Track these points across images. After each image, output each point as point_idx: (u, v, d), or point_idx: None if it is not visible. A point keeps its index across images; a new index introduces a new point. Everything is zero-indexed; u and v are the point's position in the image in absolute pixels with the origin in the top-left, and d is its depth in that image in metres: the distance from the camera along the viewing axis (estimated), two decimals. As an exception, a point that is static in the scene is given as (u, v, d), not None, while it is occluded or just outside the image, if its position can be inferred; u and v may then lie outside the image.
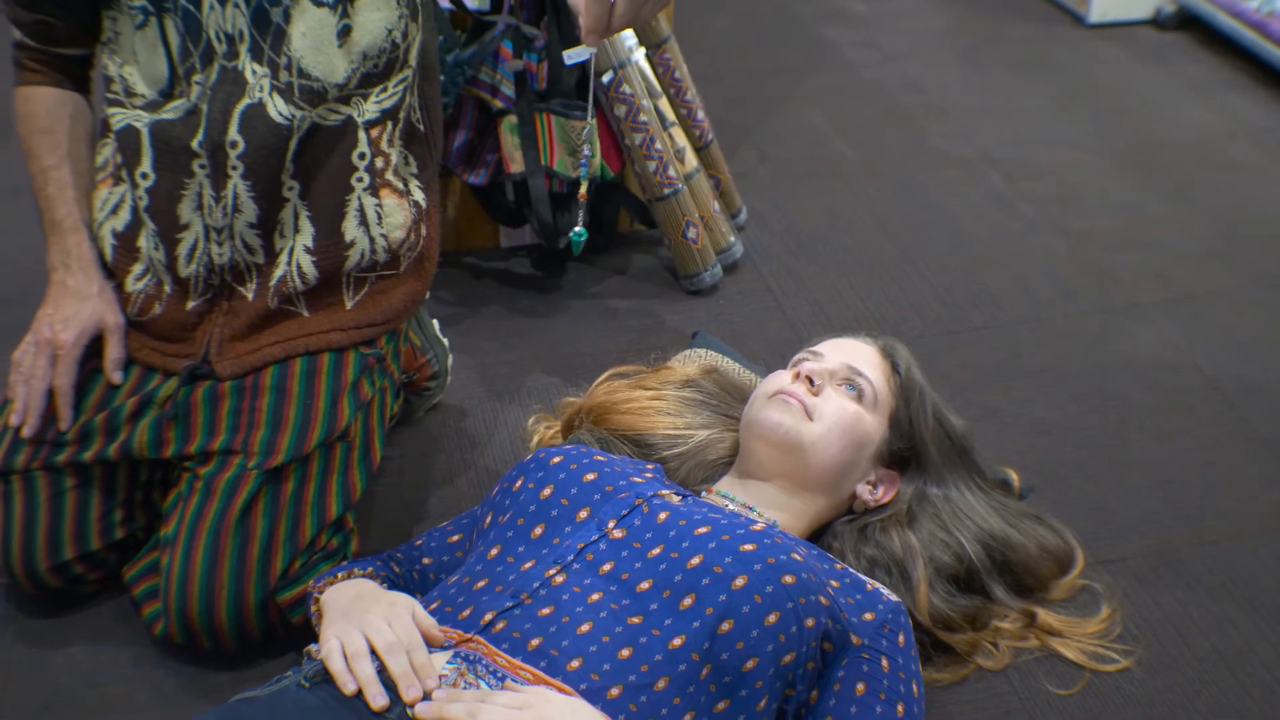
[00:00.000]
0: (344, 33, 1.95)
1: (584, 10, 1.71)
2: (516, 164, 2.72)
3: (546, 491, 1.79)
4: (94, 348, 2.02)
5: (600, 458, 1.86)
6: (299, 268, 2.01)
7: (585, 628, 1.61)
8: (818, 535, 1.96)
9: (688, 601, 1.61)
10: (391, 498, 2.30)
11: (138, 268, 2.05)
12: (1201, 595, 2.09)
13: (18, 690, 1.94)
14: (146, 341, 2.04)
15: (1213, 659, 1.98)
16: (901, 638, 1.74)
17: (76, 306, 2.01)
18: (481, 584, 1.69)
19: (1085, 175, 3.38)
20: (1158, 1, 4.20)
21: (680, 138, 2.86)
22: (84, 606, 2.06)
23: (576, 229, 2.02)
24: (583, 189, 2.08)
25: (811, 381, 1.93)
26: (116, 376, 2.02)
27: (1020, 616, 1.98)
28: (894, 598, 1.77)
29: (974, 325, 2.78)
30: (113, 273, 2.06)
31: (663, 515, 1.73)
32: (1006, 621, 1.98)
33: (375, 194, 2.03)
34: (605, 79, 2.71)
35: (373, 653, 1.55)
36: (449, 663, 1.56)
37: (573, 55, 1.81)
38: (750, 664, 1.59)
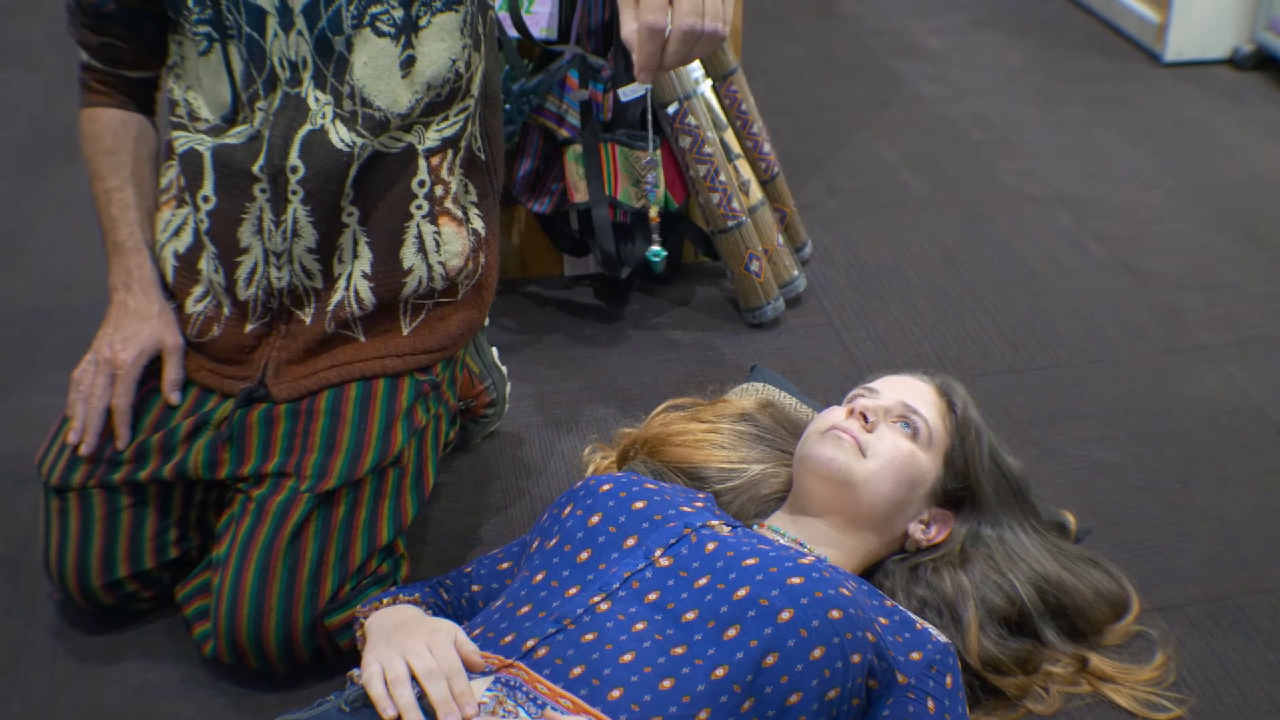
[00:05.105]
0: (408, 63, 1.96)
1: (636, 48, 1.71)
2: (581, 193, 2.73)
3: (595, 519, 1.79)
4: (153, 368, 2.04)
5: (650, 486, 1.86)
6: (356, 293, 2.02)
7: (628, 657, 1.60)
8: (869, 573, 1.95)
9: (732, 633, 1.61)
10: (444, 524, 2.30)
11: (198, 290, 2.07)
12: (1259, 644, 2.05)
13: (68, 704, 1.96)
14: (204, 363, 2.06)
15: (1267, 708, 1.94)
16: (949, 679, 1.72)
17: (136, 327, 2.03)
18: (525, 609, 1.70)
19: (1156, 214, 3.34)
20: (1235, 41, 4.15)
21: (745, 170, 2.86)
22: (136, 624, 2.08)
23: (654, 248, 2.02)
24: (653, 211, 2.08)
25: (866, 418, 1.92)
26: (174, 397, 2.04)
27: (1072, 661, 1.96)
28: (943, 638, 1.75)
29: (1038, 364, 2.76)
30: (173, 294, 2.09)
31: (711, 545, 1.73)
32: (1058, 666, 1.95)
33: (434, 221, 2.04)
34: (670, 110, 2.71)
35: (413, 678, 1.56)
36: (489, 689, 1.57)
37: (628, 93, 1.81)
38: (794, 698, 1.59)
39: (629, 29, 1.71)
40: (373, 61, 1.95)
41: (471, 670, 1.59)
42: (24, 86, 3.99)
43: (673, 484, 1.99)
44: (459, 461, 2.45)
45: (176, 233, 2.07)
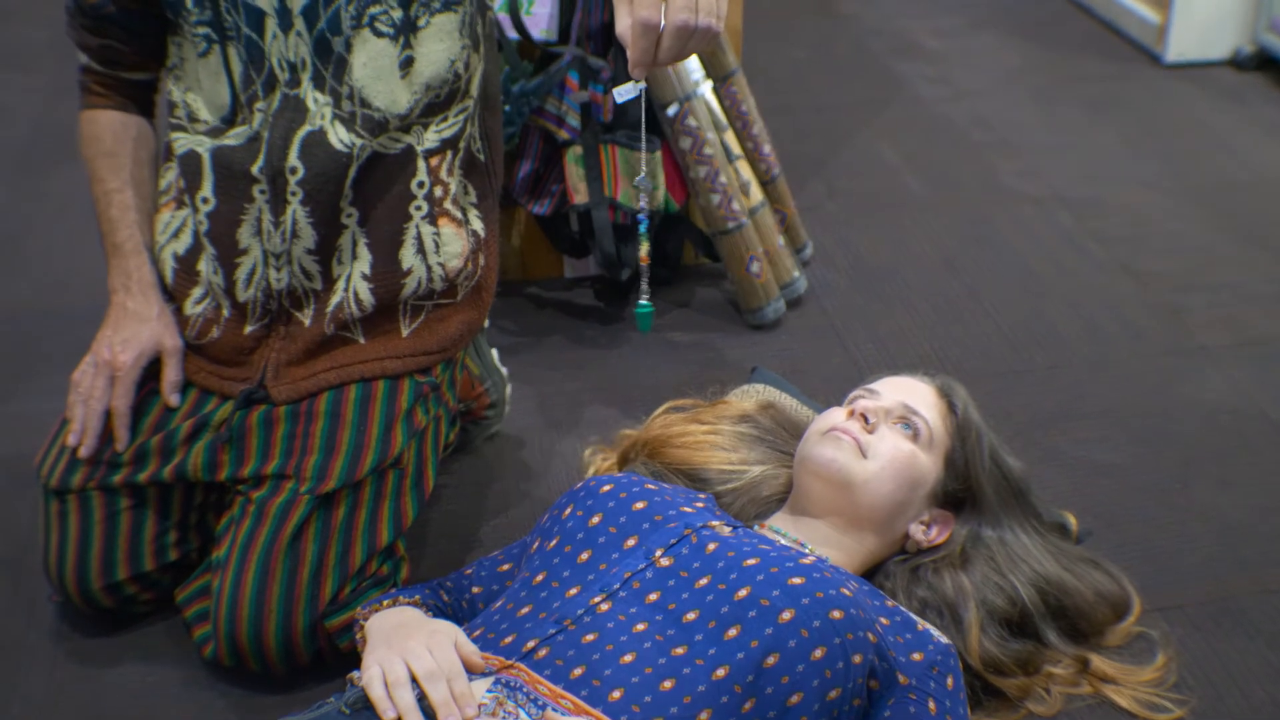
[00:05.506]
0: (406, 64, 1.96)
1: (630, 43, 1.71)
2: (581, 195, 2.72)
3: (595, 519, 1.79)
4: (152, 370, 2.04)
5: (651, 486, 1.86)
6: (356, 295, 2.02)
7: (629, 658, 1.60)
8: (870, 574, 1.94)
9: (733, 633, 1.60)
10: (444, 526, 2.30)
11: (197, 291, 2.07)
12: (1260, 645, 2.05)
13: (68, 707, 1.96)
14: (204, 365, 2.06)
15: (1269, 709, 1.94)
16: (950, 680, 1.72)
17: (136, 329, 2.03)
18: (525, 610, 1.69)
19: (1157, 215, 3.34)
20: (1236, 42, 4.15)
21: (745, 171, 2.86)
22: (136, 626, 2.07)
23: (642, 301, 2.00)
24: (643, 250, 2.02)
25: (866, 419, 1.92)
26: (174, 399, 2.04)
27: (1073, 662, 1.95)
28: (944, 639, 1.75)
29: (1038, 366, 2.75)
30: (173, 296, 2.08)
31: (711, 546, 1.73)
32: (1059, 667, 1.94)
33: (433, 223, 2.04)
34: (670, 111, 2.71)
35: (414, 680, 1.56)
36: (489, 690, 1.56)
37: (622, 92, 1.81)
38: (795, 699, 1.58)
39: (623, 24, 1.71)
40: (372, 62, 1.94)
41: (472, 671, 1.58)
42: (23, 89, 3.99)
43: (673, 485, 1.99)
44: (460, 463, 2.44)
45: (175, 234, 2.07)
